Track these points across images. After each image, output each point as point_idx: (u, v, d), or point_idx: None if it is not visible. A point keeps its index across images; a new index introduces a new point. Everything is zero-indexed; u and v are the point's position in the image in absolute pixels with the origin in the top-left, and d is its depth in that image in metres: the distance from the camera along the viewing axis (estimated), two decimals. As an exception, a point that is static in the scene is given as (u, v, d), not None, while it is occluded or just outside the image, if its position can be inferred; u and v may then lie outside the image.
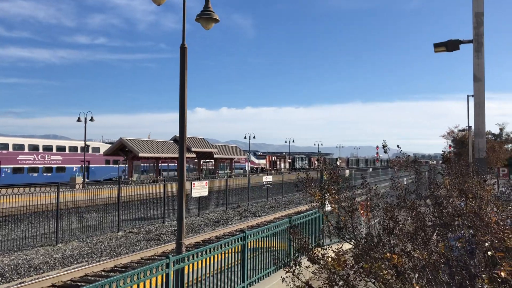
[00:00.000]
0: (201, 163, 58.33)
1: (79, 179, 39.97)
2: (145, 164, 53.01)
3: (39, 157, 46.44)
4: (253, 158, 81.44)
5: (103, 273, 12.46)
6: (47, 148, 48.50)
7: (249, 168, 70.70)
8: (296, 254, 4.85)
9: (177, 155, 50.79)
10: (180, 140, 9.75)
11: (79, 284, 11.26)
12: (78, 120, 42.34)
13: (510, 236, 3.37)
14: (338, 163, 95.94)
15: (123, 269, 12.76)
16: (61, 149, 49.93)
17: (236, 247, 9.11)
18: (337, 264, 3.90)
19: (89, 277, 11.95)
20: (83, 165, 45.11)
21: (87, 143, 50.80)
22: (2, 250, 15.39)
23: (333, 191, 4.64)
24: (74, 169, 49.34)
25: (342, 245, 5.24)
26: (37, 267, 13.41)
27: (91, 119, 42.69)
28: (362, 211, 4.99)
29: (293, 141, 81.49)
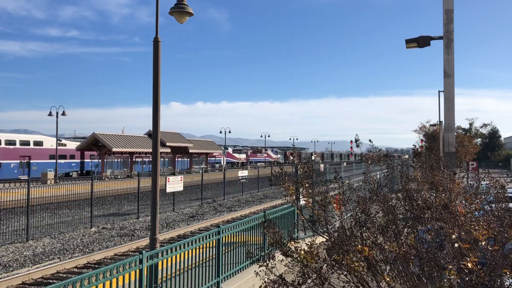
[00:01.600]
0: (176, 157, 57.88)
1: (50, 175, 39.15)
2: (119, 160, 52.19)
3: None
4: (233, 153, 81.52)
5: (75, 270, 12.25)
6: None
7: (225, 163, 70.60)
8: (270, 248, 4.87)
9: (151, 150, 50.31)
10: (153, 134, 9.65)
11: (51, 281, 11.04)
12: (50, 114, 41.45)
13: (476, 228, 3.46)
14: (313, 157, 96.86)
15: (96, 266, 12.59)
16: None
17: (211, 242, 9.10)
18: (310, 257, 3.94)
19: (61, 274, 11.74)
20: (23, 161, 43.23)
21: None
22: (-30, 248, 14.98)
23: (307, 185, 4.68)
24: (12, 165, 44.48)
25: (316, 238, 5.29)
26: (7, 265, 13.10)
27: (63, 114, 41.86)
28: (335, 205, 5.05)
29: (269, 136, 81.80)
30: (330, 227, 4.73)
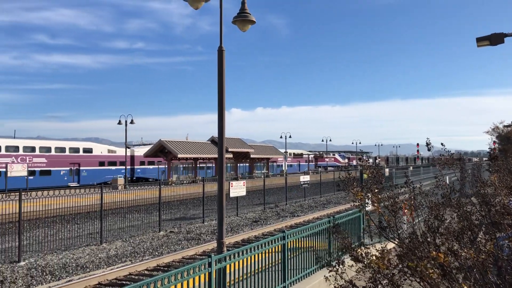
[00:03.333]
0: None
1: (120, 181, 41.06)
2: (184, 165, 53.82)
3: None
4: (294, 158, 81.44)
5: (146, 272, 12.77)
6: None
7: (287, 168, 70.58)
8: (339, 253, 4.84)
9: (214, 156, 51.25)
10: (219, 141, 9.88)
11: (124, 282, 11.58)
12: (119, 123, 43.50)
13: None
14: (377, 161, 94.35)
15: (166, 268, 13.04)
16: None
17: (276, 247, 9.16)
18: (382, 263, 3.88)
19: (133, 276, 12.27)
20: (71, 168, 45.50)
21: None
22: (51, 249, 16.03)
23: (376, 190, 4.61)
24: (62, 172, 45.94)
25: (386, 244, 5.19)
26: (84, 266, 13.90)
27: (131, 122, 43.77)
28: (405, 210, 4.93)
29: (330, 140, 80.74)
30: (400, 232, 4.63)
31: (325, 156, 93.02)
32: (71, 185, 43.15)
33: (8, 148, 42.00)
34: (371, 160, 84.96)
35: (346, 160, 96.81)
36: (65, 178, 45.61)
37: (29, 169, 40.19)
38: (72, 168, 46.55)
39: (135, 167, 55.13)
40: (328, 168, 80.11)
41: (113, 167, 50.99)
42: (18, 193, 14.90)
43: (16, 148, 42.58)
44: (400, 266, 4.07)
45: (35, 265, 13.76)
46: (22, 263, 13.98)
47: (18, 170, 37.36)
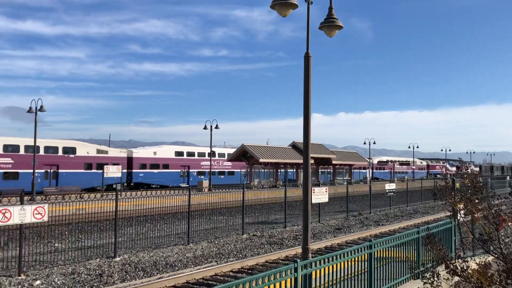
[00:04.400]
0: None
1: (205, 183, 42.51)
2: (265, 170, 54.47)
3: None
4: (378, 165, 79.33)
5: (231, 273, 13.09)
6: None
7: (370, 174, 68.72)
8: (434, 264, 4.64)
9: (295, 161, 51.10)
10: (304, 146, 9.91)
11: (210, 283, 11.98)
12: (205, 128, 45.10)
13: None
14: (469, 170, 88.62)
15: (250, 271, 13.28)
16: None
17: (362, 256, 8.97)
18: (484, 278, 3.66)
19: (218, 277, 12.65)
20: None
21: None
22: (143, 247, 16.99)
23: (476, 201, 4.37)
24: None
25: (485, 258, 4.89)
26: (173, 264, 14.57)
27: (216, 127, 45.18)
28: (510, 223, 4.61)
29: (417, 147, 77.25)
30: (502, 246, 4.33)
31: (406, 164, 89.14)
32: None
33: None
34: (475, 168, 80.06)
35: (454, 168, 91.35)
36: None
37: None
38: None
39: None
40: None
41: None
42: (114, 193, 16.00)
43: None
44: (504, 282, 3.82)
45: (128, 261, 14.68)
46: (117, 259, 14.97)
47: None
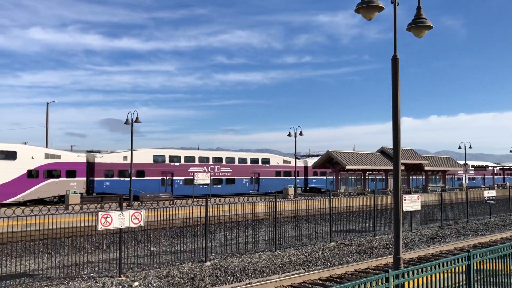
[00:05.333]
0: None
1: (290, 190, 42.60)
2: (352, 177, 53.34)
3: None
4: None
5: (319, 281, 12.94)
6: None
7: (466, 181, 64.52)
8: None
9: (384, 167, 49.39)
10: (394, 152, 9.57)
11: (298, 289, 11.94)
12: (289, 135, 45.31)
13: None
14: None
15: (339, 279, 13.04)
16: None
17: (459, 267, 8.43)
18: None
19: (307, 284, 12.57)
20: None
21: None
22: (231, 253, 17.40)
23: None
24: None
25: None
26: (261, 270, 14.74)
27: (300, 134, 45.18)
28: None
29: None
30: None
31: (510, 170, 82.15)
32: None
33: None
34: None
35: None
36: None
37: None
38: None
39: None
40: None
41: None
42: (204, 199, 16.59)
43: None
44: None
45: (219, 266, 15.10)
46: (208, 263, 15.48)
47: (203, 178, 41.65)
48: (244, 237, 20.29)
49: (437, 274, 8.08)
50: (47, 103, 55.01)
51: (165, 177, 46.11)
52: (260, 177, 52.74)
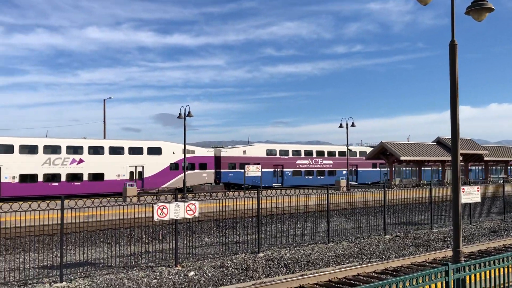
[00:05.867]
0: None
1: (343, 182, 42.05)
2: (407, 168, 51.99)
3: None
4: None
5: (374, 274, 12.72)
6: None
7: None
8: None
9: (441, 158, 47.66)
10: (452, 143, 9.20)
11: (353, 282, 11.79)
12: (340, 126, 44.64)
13: None
14: None
15: (394, 273, 12.76)
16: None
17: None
18: None
19: (361, 277, 12.38)
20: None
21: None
22: (284, 244, 17.44)
23: None
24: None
25: None
26: (314, 262, 14.68)
27: (352, 125, 44.39)
28: None
29: None
30: None
31: None
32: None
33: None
34: None
35: None
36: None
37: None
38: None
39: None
40: None
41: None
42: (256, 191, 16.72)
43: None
44: None
45: (272, 257, 15.19)
46: (261, 254, 15.60)
47: (253, 170, 42.13)
48: (296, 229, 20.27)
49: (501, 269, 7.74)
50: (104, 100, 57.30)
51: (276, 169, 50.91)
52: (358, 169, 56.19)
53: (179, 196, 14.94)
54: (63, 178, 38.36)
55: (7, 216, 14.27)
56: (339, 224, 20.89)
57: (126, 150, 41.79)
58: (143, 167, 42.17)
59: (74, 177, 38.85)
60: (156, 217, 13.25)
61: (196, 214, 14.11)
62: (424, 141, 51.92)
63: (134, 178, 41.53)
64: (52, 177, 38.05)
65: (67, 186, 38.15)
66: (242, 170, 45.16)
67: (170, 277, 12.73)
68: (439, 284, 6.98)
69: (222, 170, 47.27)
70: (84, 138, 43.57)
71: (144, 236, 18.95)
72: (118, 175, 40.83)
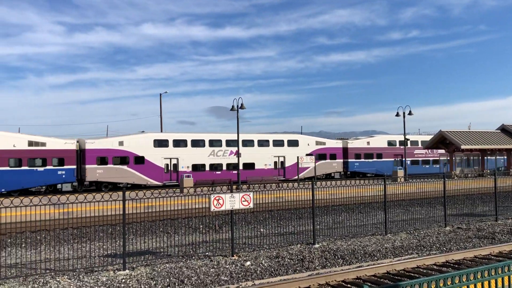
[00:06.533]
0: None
1: (400, 173, 40.93)
2: (468, 158, 49.78)
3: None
4: None
5: (435, 267, 12.32)
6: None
7: None
8: None
9: (506, 146, 45.31)
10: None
11: (412, 274, 11.48)
12: (397, 115, 43.39)
13: None
14: None
15: (456, 265, 12.29)
16: None
17: None
18: None
19: (421, 269, 12.02)
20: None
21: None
22: (340, 236, 17.25)
23: None
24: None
25: None
26: (371, 254, 14.43)
27: (410, 113, 43.03)
28: None
29: None
30: None
31: None
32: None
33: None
34: None
35: None
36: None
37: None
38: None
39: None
40: None
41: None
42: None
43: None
44: None
45: (327, 248, 15.08)
46: (316, 245, 15.53)
47: (307, 161, 42.08)
48: (352, 220, 20.00)
49: None
50: (160, 94, 59.14)
51: (396, 159, 53.93)
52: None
53: (234, 187, 15.14)
54: (224, 167, 44.31)
55: (74, 206, 15.06)
56: (396, 215, 20.39)
57: (271, 143, 46.99)
58: (284, 157, 47.45)
59: (232, 166, 44.13)
60: (212, 208, 13.51)
61: (251, 205, 14.24)
62: (487, 129, 49.44)
63: (277, 167, 47.16)
64: (216, 166, 44.07)
65: (226, 173, 43.54)
66: (367, 160, 51.17)
67: (227, 266, 12.97)
68: (506, 279, 6.66)
69: (349, 160, 51.12)
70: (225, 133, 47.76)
71: (201, 226, 19.41)
72: (265, 165, 46.28)
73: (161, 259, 13.92)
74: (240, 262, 13.39)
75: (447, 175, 26.62)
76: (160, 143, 41.78)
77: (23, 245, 16.51)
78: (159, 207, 17.69)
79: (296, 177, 43.37)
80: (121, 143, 39.74)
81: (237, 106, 35.17)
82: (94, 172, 38.24)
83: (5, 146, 35.24)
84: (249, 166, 45.11)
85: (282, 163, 47.37)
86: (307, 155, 45.83)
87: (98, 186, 39.13)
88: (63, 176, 37.49)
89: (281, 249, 15.01)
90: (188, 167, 42.59)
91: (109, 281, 11.56)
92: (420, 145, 54.29)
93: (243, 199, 14.03)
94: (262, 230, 18.99)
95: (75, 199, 12.16)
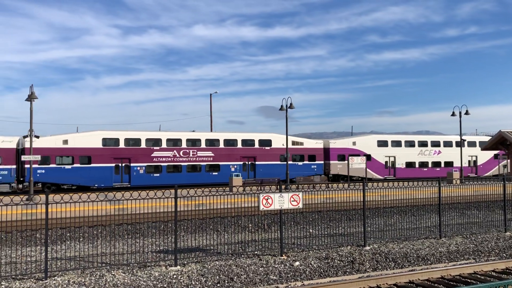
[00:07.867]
0: None
1: (456, 175, 39.39)
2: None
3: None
4: None
5: (493, 273, 11.76)
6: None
7: None
8: None
9: None
10: None
11: (468, 281, 11.03)
12: (453, 114, 41.76)
13: None
14: None
15: (517, 273, 11.67)
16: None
17: None
18: None
19: (478, 275, 11.52)
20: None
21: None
22: (391, 238, 16.82)
23: None
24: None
25: None
26: (425, 258, 13.98)
27: (466, 113, 41.31)
28: None
29: None
30: None
31: None
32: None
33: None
34: None
35: None
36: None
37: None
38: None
39: None
40: None
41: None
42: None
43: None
44: None
45: (378, 251, 14.74)
46: (367, 248, 15.22)
47: (357, 162, 41.24)
48: (405, 223, 19.44)
49: None
50: (210, 94, 59.94)
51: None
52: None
53: (283, 187, 15.13)
54: (430, 165, 49.49)
55: (128, 203, 15.57)
56: (451, 218, 19.61)
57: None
58: (477, 157, 51.97)
59: (436, 164, 49.58)
60: (261, 207, 13.56)
61: (300, 205, 14.16)
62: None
63: (470, 165, 51.28)
64: (423, 164, 49.15)
65: (431, 171, 48.65)
66: None
67: (276, 266, 12.98)
68: None
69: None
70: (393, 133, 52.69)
71: (250, 225, 19.53)
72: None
73: (211, 256, 14.14)
74: (289, 262, 13.36)
75: (507, 178, 25.27)
76: (381, 143, 48.40)
77: (81, 239, 17.28)
78: (209, 205, 17.98)
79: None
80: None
81: (286, 105, 35.09)
82: (336, 167, 45.93)
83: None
84: (448, 164, 49.78)
85: (475, 161, 51.12)
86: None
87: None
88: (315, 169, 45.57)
89: (331, 250, 14.83)
90: (402, 164, 48.27)
91: (161, 276, 11.88)
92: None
93: (292, 199, 13.98)
94: (311, 230, 18.85)
95: (130, 196, 12.58)
